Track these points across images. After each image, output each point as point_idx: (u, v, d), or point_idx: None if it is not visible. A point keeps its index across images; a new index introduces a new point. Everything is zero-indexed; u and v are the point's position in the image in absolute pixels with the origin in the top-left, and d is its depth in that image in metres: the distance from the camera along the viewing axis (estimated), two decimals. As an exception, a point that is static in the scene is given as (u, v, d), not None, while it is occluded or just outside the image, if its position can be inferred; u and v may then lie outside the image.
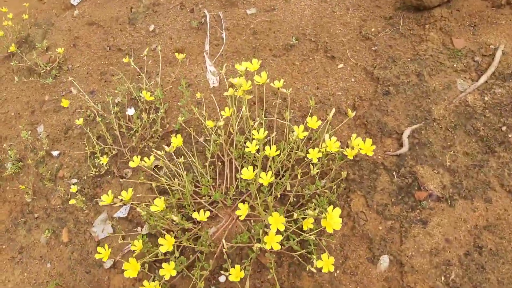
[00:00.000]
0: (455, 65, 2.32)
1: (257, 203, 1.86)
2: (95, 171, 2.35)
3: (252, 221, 2.00)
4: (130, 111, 2.31)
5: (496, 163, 1.99)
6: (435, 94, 2.23)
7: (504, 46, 2.35)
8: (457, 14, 2.51)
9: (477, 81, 2.24)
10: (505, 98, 2.17)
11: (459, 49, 2.37)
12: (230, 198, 2.04)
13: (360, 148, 1.81)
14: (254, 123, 2.13)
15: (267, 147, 1.85)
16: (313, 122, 1.92)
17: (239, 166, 2.13)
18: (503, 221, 1.84)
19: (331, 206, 1.61)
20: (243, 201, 2.06)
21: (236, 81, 2.04)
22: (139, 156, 1.90)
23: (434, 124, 2.14)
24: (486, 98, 2.19)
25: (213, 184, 2.11)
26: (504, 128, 2.07)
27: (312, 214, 1.65)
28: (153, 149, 1.95)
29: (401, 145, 2.09)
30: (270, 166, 1.99)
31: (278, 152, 1.84)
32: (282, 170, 2.06)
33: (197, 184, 2.13)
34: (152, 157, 1.96)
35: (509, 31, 2.42)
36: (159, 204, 1.76)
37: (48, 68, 3.01)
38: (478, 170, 1.98)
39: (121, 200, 1.87)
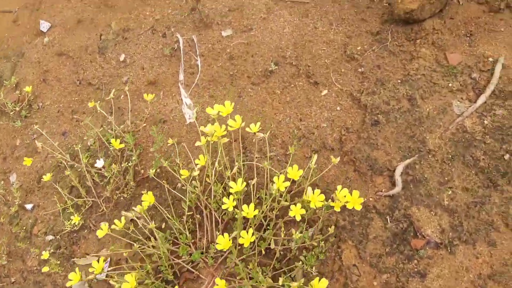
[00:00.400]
0: (450, 85, 2.11)
1: (239, 267, 1.71)
2: (70, 227, 2.21)
3: (236, 281, 1.84)
4: (99, 163, 2.14)
5: (499, 198, 1.80)
6: (429, 120, 2.03)
7: (504, 58, 2.13)
8: (451, 23, 2.28)
9: (475, 102, 2.04)
10: (507, 120, 1.96)
11: (454, 66, 2.15)
12: (212, 256, 1.88)
13: (347, 202, 1.64)
14: (232, 169, 1.95)
15: (244, 207, 1.68)
16: (294, 172, 1.74)
17: (219, 217, 1.97)
18: (510, 267, 1.67)
19: (316, 279, 1.45)
20: (224, 261, 1.90)
21: (207, 130, 1.85)
22: (106, 224, 1.74)
23: (429, 156, 1.95)
24: (485, 122, 1.98)
25: (192, 240, 1.95)
26: (507, 157, 1.88)
27: (296, 285, 1.50)
28: (122, 212, 1.80)
29: (393, 184, 1.91)
30: (252, 221, 1.82)
31: (256, 212, 1.68)
32: (265, 221, 1.89)
33: (175, 240, 1.97)
34: (123, 219, 1.81)
35: (509, 39, 2.19)
36: (130, 280, 1.61)
37: (18, 109, 2.84)
38: (479, 208, 1.80)
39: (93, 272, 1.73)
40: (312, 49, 2.40)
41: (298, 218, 1.65)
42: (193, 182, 1.94)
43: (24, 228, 2.34)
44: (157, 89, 2.59)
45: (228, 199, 1.72)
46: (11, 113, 2.85)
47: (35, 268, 2.20)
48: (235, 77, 2.45)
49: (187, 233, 1.94)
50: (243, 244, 1.67)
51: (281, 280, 1.65)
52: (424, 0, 2.13)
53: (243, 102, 2.36)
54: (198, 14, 2.73)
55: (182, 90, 2.53)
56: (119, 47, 2.85)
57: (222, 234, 1.65)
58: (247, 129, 1.88)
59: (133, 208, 1.80)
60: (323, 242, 1.75)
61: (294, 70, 2.36)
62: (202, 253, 1.91)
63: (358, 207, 1.61)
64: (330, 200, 1.69)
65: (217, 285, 1.52)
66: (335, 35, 2.42)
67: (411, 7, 2.14)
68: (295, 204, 1.68)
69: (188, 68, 2.59)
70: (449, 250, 1.73)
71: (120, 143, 2.19)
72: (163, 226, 2.11)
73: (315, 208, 1.65)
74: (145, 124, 2.46)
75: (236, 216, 1.91)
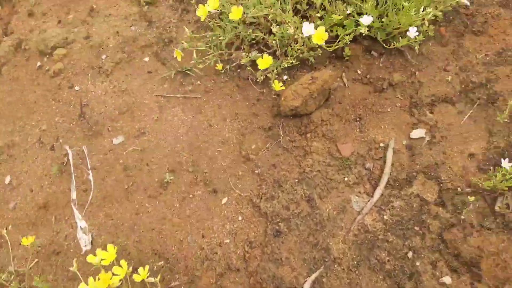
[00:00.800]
0: (346, 179, 2.06)
1: None
2: None
3: None
4: (-23, 331, 1.86)
5: (407, 305, 1.74)
6: (331, 223, 1.96)
7: (394, 141, 2.12)
8: (339, 108, 2.25)
9: (373, 196, 2.00)
10: (405, 212, 1.93)
11: (348, 157, 2.11)
12: None
13: None
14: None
15: None
16: (188, 324, 1.58)
17: None
18: None
19: None
20: None
21: (92, 285, 1.66)
22: None
23: (335, 265, 1.86)
24: (385, 217, 1.94)
25: None
26: (410, 254, 1.84)
27: None
28: None
29: (302, 305, 1.80)
30: None
31: None
32: None
33: None
34: None
35: (396, 119, 2.20)
36: None
37: None
38: (390, 320, 1.73)
39: None
40: (208, 151, 2.28)
41: None
42: None
43: None
44: (48, 213, 2.35)
45: None
46: None
47: None
48: (130, 191, 2.27)
49: None
50: None
51: None
52: (307, 95, 2.09)
53: (141, 221, 2.18)
54: (86, 121, 2.54)
55: (75, 211, 2.31)
56: (4, 167, 2.57)
57: None
58: (134, 276, 1.70)
59: None
60: None
61: (191, 178, 2.23)
62: None
63: None
64: None
65: None
66: (229, 132, 2.32)
67: (294, 104, 2.09)
68: None
69: (80, 185, 2.38)
70: None
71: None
72: None
73: None
74: (37, 260, 2.21)
75: None
